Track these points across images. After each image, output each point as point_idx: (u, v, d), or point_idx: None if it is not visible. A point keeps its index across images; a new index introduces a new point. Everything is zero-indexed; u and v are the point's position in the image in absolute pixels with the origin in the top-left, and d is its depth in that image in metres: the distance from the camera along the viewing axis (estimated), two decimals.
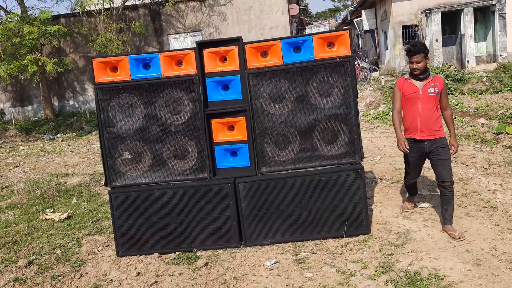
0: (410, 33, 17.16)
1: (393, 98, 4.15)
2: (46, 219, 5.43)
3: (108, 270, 3.92)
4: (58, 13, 16.87)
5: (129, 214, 4.10)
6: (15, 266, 4.10)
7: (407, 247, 3.73)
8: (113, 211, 4.11)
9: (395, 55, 17.58)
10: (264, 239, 4.06)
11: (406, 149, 4.00)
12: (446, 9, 16.23)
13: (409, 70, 4.03)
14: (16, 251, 4.53)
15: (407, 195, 4.65)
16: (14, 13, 15.15)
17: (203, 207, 4.05)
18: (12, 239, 4.87)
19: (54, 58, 15.04)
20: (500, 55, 16.02)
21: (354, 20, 24.52)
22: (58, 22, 16.22)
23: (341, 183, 3.96)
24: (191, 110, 4.04)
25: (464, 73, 14.03)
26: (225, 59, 4.06)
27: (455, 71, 14.08)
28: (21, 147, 12.85)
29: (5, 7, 16.04)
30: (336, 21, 39.01)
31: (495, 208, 4.41)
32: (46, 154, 11.22)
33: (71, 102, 18.02)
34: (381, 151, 7.52)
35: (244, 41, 4.00)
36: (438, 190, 4.11)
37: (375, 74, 17.73)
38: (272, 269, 3.60)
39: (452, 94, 12.58)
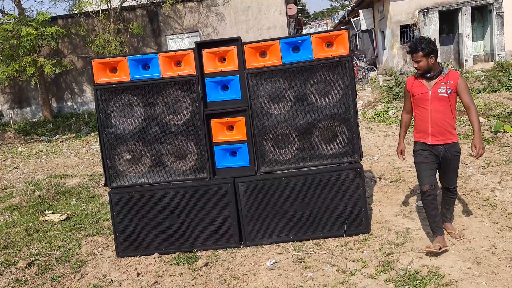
0: (408, 32, 17.17)
1: (404, 98, 3.94)
2: (46, 220, 5.43)
3: (108, 270, 3.92)
4: (55, 15, 16.86)
5: (129, 214, 4.10)
6: (15, 268, 4.10)
7: (407, 245, 3.73)
8: (113, 211, 4.11)
9: (393, 54, 17.60)
10: (264, 239, 4.07)
11: (401, 158, 3.94)
12: (444, 8, 16.26)
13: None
14: (15, 252, 4.53)
15: (434, 234, 3.63)
16: (12, 14, 15.13)
17: (203, 207, 4.05)
18: (11, 241, 4.87)
19: (52, 59, 15.00)
20: (498, 54, 16.06)
21: (351, 19, 24.53)
22: (55, 24, 16.18)
23: (341, 182, 3.97)
24: (191, 110, 4.04)
25: (462, 72, 14.07)
26: (224, 59, 4.07)
27: (453, 70, 14.09)
28: (19, 149, 12.82)
29: (2, 9, 16.03)
30: (334, 21, 39.03)
31: (494, 206, 4.42)
32: (45, 156, 11.20)
33: (69, 104, 18.00)
34: (380, 150, 7.54)
35: (242, 41, 4.01)
36: (440, 191, 4.06)
37: (373, 74, 17.73)
38: (272, 269, 3.60)
39: None
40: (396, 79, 13.72)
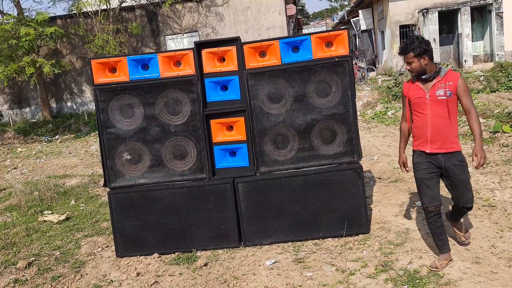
0: (407, 32, 17.18)
1: (402, 104, 3.67)
2: (45, 220, 5.43)
3: (108, 270, 3.92)
4: (54, 15, 16.84)
5: (128, 214, 4.10)
6: (15, 268, 4.10)
7: (407, 245, 3.74)
8: (113, 211, 4.11)
9: (392, 54, 17.60)
10: (264, 239, 4.07)
11: (405, 171, 3.63)
12: (443, 9, 16.28)
13: (405, 69, 3.86)
14: (15, 252, 4.52)
15: (440, 251, 3.41)
16: (11, 14, 15.11)
17: (203, 207, 4.05)
18: (11, 241, 4.86)
19: (51, 59, 14.99)
20: (497, 54, 16.07)
21: (351, 20, 24.55)
22: (54, 24, 16.17)
23: (340, 182, 3.97)
24: (190, 110, 4.04)
25: (461, 72, 14.08)
26: (224, 59, 4.07)
27: (452, 70, 14.10)
28: (19, 149, 12.81)
29: (1, 9, 16.01)
30: (333, 21, 39.04)
31: (494, 206, 4.42)
32: (44, 156, 11.19)
33: (69, 104, 17.98)
34: (379, 150, 7.54)
35: (241, 41, 4.01)
36: (452, 207, 3.71)
37: (372, 74, 17.75)
38: (272, 269, 3.60)
39: None
40: (395, 80, 13.73)
